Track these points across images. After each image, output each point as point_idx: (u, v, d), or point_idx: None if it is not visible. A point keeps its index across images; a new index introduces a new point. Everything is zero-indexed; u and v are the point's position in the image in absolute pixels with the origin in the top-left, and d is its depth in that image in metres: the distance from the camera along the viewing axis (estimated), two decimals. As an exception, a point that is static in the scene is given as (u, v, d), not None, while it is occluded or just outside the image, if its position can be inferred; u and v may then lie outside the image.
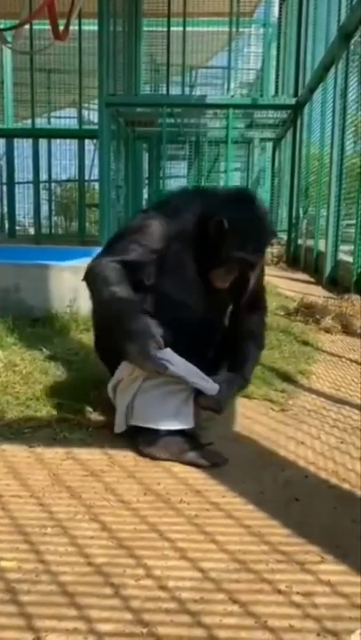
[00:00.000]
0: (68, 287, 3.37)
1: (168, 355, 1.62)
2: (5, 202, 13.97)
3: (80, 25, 10.58)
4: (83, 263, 3.51)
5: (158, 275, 1.82)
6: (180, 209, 1.86)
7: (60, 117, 14.81)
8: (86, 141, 13.06)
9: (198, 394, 1.73)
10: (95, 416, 2.02)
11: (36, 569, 1.21)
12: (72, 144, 13.64)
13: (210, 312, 1.90)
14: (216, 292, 1.87)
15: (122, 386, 1.83)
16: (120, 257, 1.80)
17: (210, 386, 1.71)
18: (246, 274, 1.85)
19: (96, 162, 12.22)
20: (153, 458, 1.74)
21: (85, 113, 13.80)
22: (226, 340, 1.96)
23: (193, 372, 1.69)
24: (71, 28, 4.75)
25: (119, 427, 1.82)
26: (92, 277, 1.83)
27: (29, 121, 12.99)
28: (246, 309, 1.96)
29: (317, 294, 5.18)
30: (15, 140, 13.45)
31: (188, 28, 10.64)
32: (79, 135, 12.92)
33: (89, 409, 2.05)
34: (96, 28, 8.78)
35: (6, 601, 1.11)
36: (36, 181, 13.05)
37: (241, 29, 11.31)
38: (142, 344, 1.61)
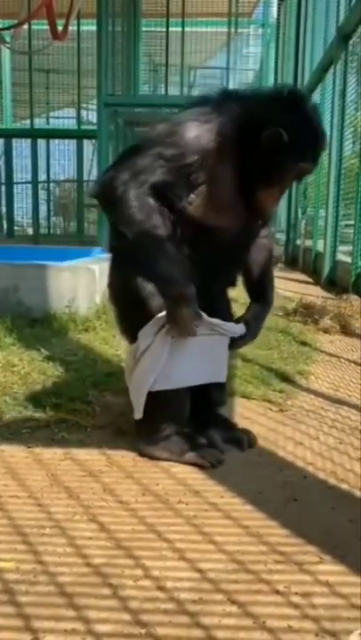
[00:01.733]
0: (66, 287, 3.36)
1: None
2: (4, 202, 13.93)
3: (79, 25, 10.59)
4: (81, 263, 3.53)
5: (190, 196, 1.59)
6: (219, 113, 1.58)
7: (58, 117, 14.80)
8: (85, 141, 13.05)
9: (231, 342, 1.76)
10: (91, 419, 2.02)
11: (34, 569, 1.21)
12: (71, 144, 13.63)
13: (246, 239, 1.75)
14: (254, 213, 1.67)
15: (151, 351, 1.63)
16: (144, 176, 1.53)
17: (239, 329, 1.76)
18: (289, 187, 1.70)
19: (95, 162, 12.22)
20: (152, 458, 1.74)
21: (84, 113, 13.79)
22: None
23: (219, 327, 1.69)
24: (70, 28, 4.76)
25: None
26: (112, 206, 1.57)
27: (28, 121, 13.00)
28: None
29: (316, 295, 5.18)
30: (14, 140, 13.43)
31: (187, 29, 10.65)
32: (78, 135, 12.91)
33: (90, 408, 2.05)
34: (95, 28, 8.78)
35: (4, 602, 1.11)
36: (34, 181, 13.03)
37: (240, 30, 11.33)
38: (185, 305, 1.50)
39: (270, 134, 1.52)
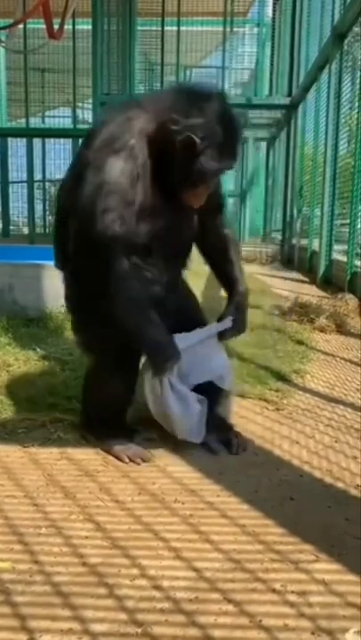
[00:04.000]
0: (62, 287, 3.35)
1: (180, 340, 1.69)
2: (-1, 201, 13.90)
3: (74, 24, 10.55)
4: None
5: (136, 225, 1.60)
6: (130, 132, 1.58)
7: (54, 117, 14.75)
8: (81, 141, 12.99)
9: (220, 335, 1.84)
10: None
11: (30, 569, 1.21)
12: (66, 143, 13.58)
13: (184, 234, 1.78)
14: (186, 209, 1.71)
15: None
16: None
17: (224, 324, 1.83)
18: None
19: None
20: (86, 440, 1.84)
21: (80, 112, 13.74)
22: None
23: (204, 333, 1.81)
24: (65, 27, 4.74)
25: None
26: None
27: (23, 120, 12.94)
28: (210, 213, 1.82)
29: (311, 294, 5.19)
30: (9, 139, 13.39)
31: (183, 28, 10.61)
32: (73, 134, 12.83)
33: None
34: (90, 27, 8.77)
35: (0, 602, 1.11)
36: (30, 181, 12.99)
37: (235, 29, 11.31)
38: (161, 361, 1.65)
39: (183, 142, 1.52)
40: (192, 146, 1.52)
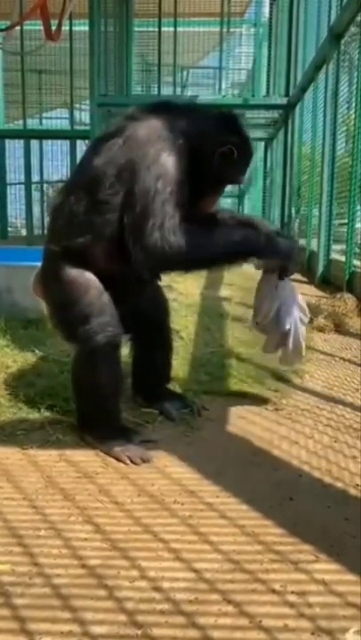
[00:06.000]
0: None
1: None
2: (-3, 203, 13.89)
3: (71, 25, 10.55)
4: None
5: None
6: (178, 134, 1.75)
7: (51, 118, 14.76)
8: (78, 142, 13.01)
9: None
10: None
11: (29, 572, 1.21)
12: (64, 145, 13.58)
13: None
14: (195, 211, 1.86)
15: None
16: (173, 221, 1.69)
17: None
18: None
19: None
20: (88, 444, 1.84)
21: (77, 113, 13.76)
22: None
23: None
24: (63, 28, 4.75)
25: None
26: (171, 258, 1.71)
27: (21, 122, 12.94)
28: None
29: (310, 293, 5.19)
30: (6, 140, 13.38)
31: (180, 29, 10.63)
32: (71, 136, 12.87)
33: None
34: (87, 28, 8.76)
35: (0, 604, 1.11)
36: (27, 182, 12.99)
37: (232, 29, 11.32)
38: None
39: (224, 151, 1.76)
40: (229, 157, 1.77)
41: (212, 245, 1.76)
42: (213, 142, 1.76)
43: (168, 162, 1.69)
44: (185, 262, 1.77)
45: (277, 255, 1.90)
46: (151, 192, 1.66)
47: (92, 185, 1.75)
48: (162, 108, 1.83)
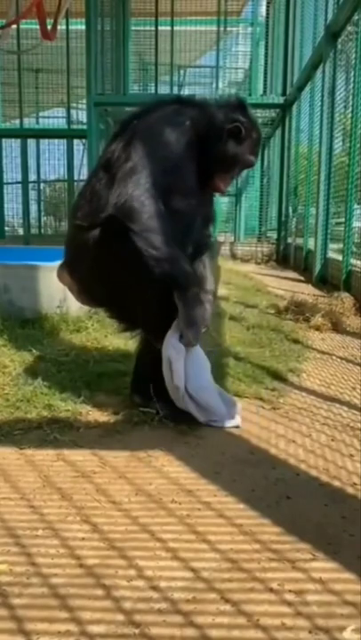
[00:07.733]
0: (57, 288, 3.32)
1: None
2: (-6, 202, 13.86)
3: (67, 24, 10.54)
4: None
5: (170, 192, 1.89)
6: (185, 116, 1.93)
7: (48, 117, 14.72)
8: (75, 141, 13.00)
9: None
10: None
11: (27, 571, 1.20)
12: (61, 144, 13.56)
13: (207, 215, 2.10)
14: (209, 190, 2.05)
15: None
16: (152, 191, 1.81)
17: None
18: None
19: (85, 161, 12.17)
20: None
21: (74, 112, 13.72)
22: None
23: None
24: (59, 27, 4.74)
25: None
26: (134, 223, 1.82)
27: (17, 121, 12.92)
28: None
29: (307, 292, 5.20)
30: (3, 140, 13.36)
31: (176, 28, 10.61)
32: (68, 135, 12.85)
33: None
34: (84, 27, 8.75)
35: (-3, 604, 1.11)
36: (24, 182, 12.96)
37: (229, 28, 11.32)
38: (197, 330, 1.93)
39: (232, 128, 1.93)
40: (237, 134, 1.92)
41: (161, 236, 1.81)
42: (222, 121, 1.93)
43: (170, 137, 1.86)
44: (137, 225, 1.82)
45: (181, 309, 1.90)
46: (145, 159, 1.83)
47: (107, 164, 1.93)
48: (173, 100, 2.04)
